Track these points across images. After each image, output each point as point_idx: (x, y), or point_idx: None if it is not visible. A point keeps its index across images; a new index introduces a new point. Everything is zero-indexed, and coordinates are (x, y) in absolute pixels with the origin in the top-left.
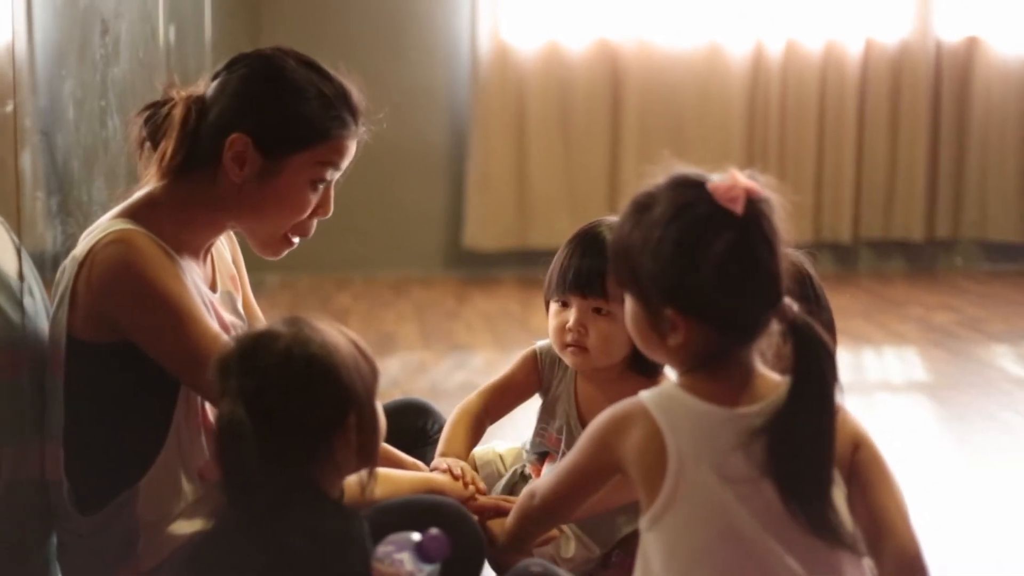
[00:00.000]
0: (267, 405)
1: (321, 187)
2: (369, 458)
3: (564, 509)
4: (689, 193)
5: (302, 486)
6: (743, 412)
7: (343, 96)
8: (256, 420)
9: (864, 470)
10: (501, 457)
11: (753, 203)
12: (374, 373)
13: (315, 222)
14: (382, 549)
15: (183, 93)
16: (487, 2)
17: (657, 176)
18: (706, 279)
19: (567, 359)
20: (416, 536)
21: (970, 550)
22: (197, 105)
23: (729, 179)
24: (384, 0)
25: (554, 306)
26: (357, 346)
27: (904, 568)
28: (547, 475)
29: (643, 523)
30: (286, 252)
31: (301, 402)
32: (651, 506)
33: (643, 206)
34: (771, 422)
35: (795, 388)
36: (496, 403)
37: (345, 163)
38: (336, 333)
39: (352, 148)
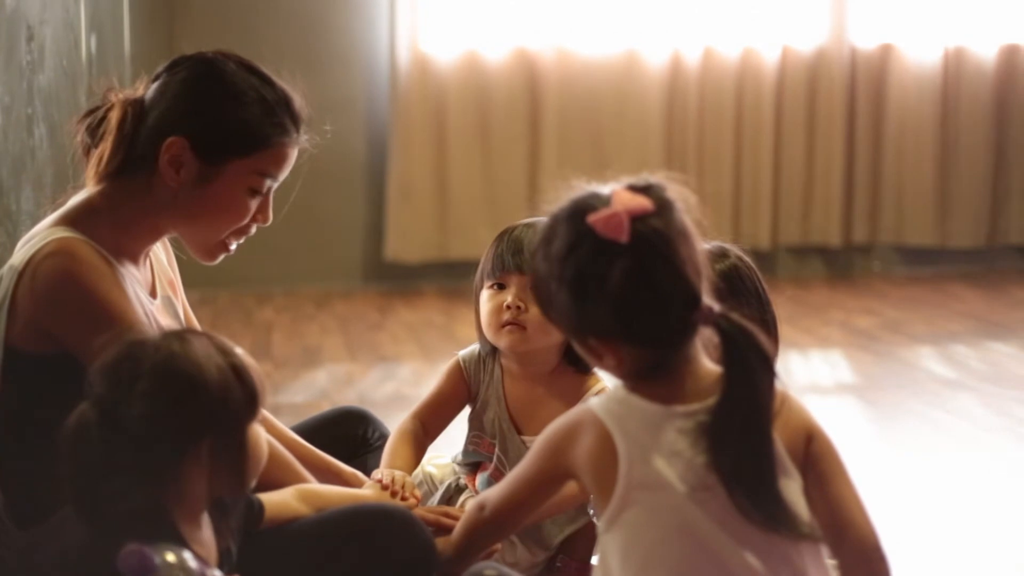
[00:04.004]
0: (118, 415)
1: (260, 194)
2: (232, 487)
3: (517, 518)
4: (576, 228)
5: (143, 504)
6: (690, 409)
7: (284, 102)
8: (104, 427)
9: (818, 462)
10: (432, 476)
11: (642, 223)
12: (251, 401)
13: (255, 227)
14: None
15: (120, 96)
16: (405, 12)
17: (561, 195)
18: (611, 310)
19: (504, 340)
20: None
21: (915, 545)
22: (134, 108)
23: (610, 208)
24: (301, 11)
25: (487, 292)
26: (237, 370)
27: (865, 559)
28: (496, 487)
29: (600, 526)
30: (223, 257)
31: (150, 418)
32: (606, 509)
33: (547, 238)
34: (710, 418)
35: (725, 384)
36: (431, 419)
37: (284, 172)
38: (213, 354)
39: (292, 156)
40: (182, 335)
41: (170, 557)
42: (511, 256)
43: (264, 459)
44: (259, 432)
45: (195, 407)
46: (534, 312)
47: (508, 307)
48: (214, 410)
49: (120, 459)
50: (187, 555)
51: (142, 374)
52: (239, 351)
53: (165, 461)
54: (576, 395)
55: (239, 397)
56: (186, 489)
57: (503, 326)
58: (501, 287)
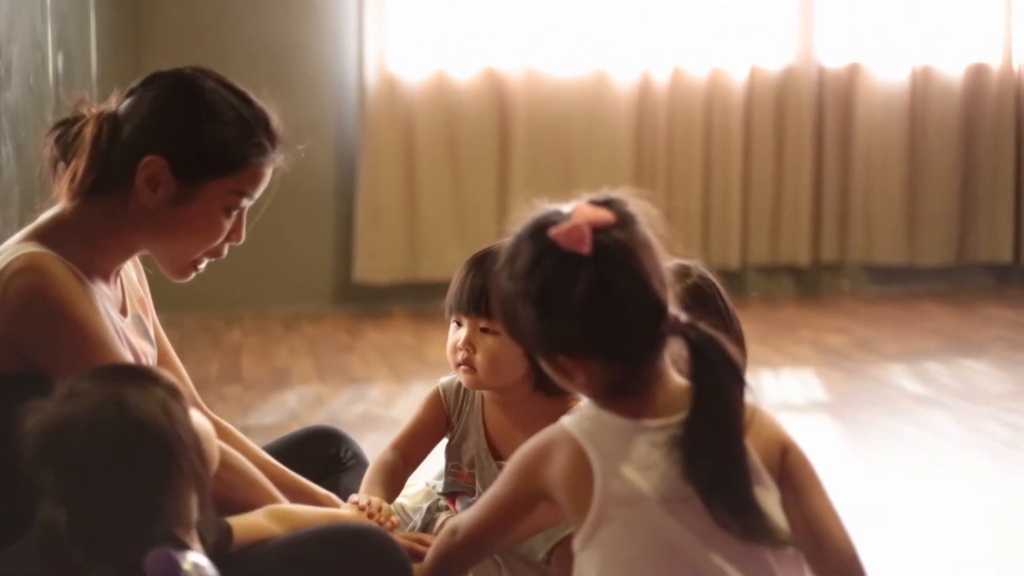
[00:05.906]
0: (90, 503)
1: (235, 213)
2: (203, 473)
3: (490, 541)
4: (538, 243)
5: (160, 539)
6: (662, 423)
7: (263, 122)
8: (79, 517)
9: (794, 475)
10: (404, 508)
11: (604, 234)
12: (174, 394)
13: (227, 246)
14: None
15: (94, 110)
16: (373, 33)
17: (522, 215)
18: (578, 325)
19: (461, 378)
20: None
21: (889, 561)
22: (109, 123)
23: (571, 220)
24: (269, 33)
25: (452, 326)
26: (153, 382)
27: (843, 571)
28: (468, 510)
29: (576, 544)
30: (193, 275)
31: (127, 483)
32: (582, 527)
33: (511, 257)
34: (682, 430)
35: (696, 395)
36: (410, 450)
37: (260, 190)
38: (129, 385)
39: (268, 175)
40: (79, 389)
41: (187, 565)
42: (461, 298)
43: (213, 435)
44: (197, 415)
45: (159, 438)
46: (481, 354)
47: (459, 348)
48: (175, 435)
49: (113, 532)
50: (204, 561)
51: (90, 444)
52: (128, 359)
53: (156, 504)
54: (555, 419)
55: (174, 405)
56: (180, 508)
57: (458, 365)
58: (459, 324)
